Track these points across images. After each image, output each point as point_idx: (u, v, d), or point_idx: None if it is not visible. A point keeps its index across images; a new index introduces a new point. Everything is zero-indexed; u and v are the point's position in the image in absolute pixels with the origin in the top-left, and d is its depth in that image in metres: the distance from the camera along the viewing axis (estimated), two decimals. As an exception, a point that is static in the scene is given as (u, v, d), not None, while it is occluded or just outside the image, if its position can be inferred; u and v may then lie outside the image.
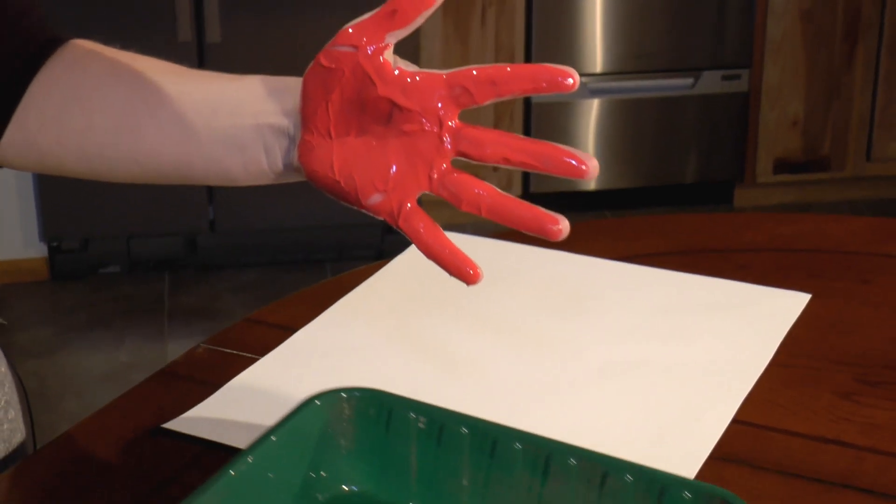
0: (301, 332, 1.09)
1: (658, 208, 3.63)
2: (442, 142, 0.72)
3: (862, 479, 0.88)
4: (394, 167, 0.73)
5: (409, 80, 0.72)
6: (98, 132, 0.85)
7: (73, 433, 0.96)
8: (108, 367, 2.81)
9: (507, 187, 3.50)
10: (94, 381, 2.72)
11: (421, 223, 0.73)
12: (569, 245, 1.24)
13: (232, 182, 0.83)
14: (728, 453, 0.91)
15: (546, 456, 0.73)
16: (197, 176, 0.84)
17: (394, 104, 0.72)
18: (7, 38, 0.87)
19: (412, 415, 0.77)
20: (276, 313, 1.13)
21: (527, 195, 3.53)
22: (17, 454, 0.99)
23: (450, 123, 0.72)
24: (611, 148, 3.57)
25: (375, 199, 0.74)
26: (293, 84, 0.79)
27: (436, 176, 0.72)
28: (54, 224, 3.22)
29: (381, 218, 0.75)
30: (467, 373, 1.02)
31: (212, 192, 3.17)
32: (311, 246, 3.31)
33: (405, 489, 0.78)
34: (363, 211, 0.75)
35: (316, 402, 0.78)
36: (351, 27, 0.73)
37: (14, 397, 1.01)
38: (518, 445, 0.74)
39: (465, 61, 3.28)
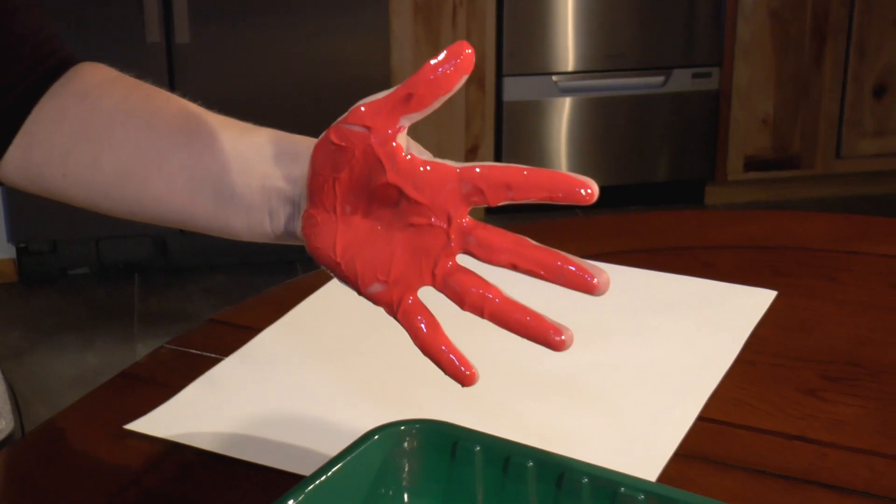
0: (265, 332, 1.08)
1: (629, 207, 3.63)
2: (449, 239, 0.69)
3: (825, 474, 0.88)
4: (396, 260, 0.71)
5: (420, 169, 0.69)
6: (105, 173, 0.82)
7: (33, 437, 0.95)
8: (77, 371, 2.79)
9: (478, 187, 3.49)
10: (63, 384, 2.71)
11: (420, 319, 0.71)
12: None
13: (234, 237, 0.81)
14: (692, 451, 0.91)
15: (612, 489, 0.72)
16: (199, 227, 0.82)
17: (403, 193, 0.69)
18: (13, 56, 0.85)
19: (477, 448, 0.75)
20: (240, 314, 1.13)
21: (498, 195, 3.53)
22: None
23: (460, 221, 0.69)
24: (582, 146, 3.58)
25: (375, 288, 0.72)
26: (304, 149, 0.77)
27: (439, 273, 0.70)
28: (22, 226, 3.20)
29: (379, 307, 0.72)
30: (431, 376, 1.02)
31: (182, 194, 3.15)
32: (282, 247, 3.29)
33: None
34: (360, 296, 0.73)
35: (375, 436, 0.75)
36: (364, 106, 0.69)
37: (7, 406, 1.00)
38: (585, 479, 0.72)
39: (435, 61, 3.27)
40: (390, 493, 0.76)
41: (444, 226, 0.69)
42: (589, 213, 3.56)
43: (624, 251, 1.26)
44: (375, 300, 0.72)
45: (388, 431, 0.76)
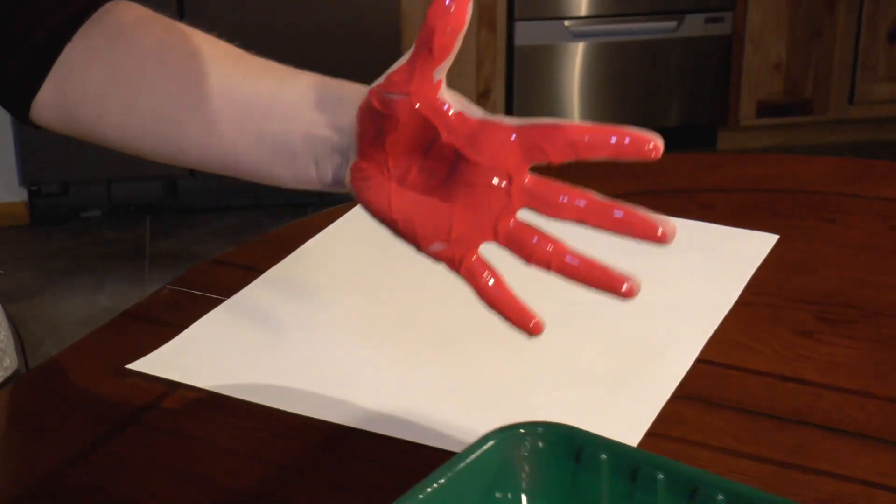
0: (268, 273, 1.09)
1: (641, 152, 3.62)
2: (510, 197, 0.69)
3: (818, 415, 0.89)
4: (457, 219, 0.70)
5: (476, 129, 0.68)
6: (142, 115, 0.81)
7: (35, 374, 0.96)
8: (88, 312, 2.81)
9: (489, 131, 3.49)
10: (74, 325, 2.73)
11: (484, 275, 0.71)
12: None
13: (280, 185, 0.80)
14: (687, 391, 0.92)
15: None
16: (243, 174, 0.80)
17: (460, 154, 0.69)
18: None
19: (604, 455, 0.72)
20: (242, 254, 1.13)
21: (509, 139, 3.53)
22: None
23: (521, 181, 0.69)
24: (594, 91, 3.56)
25: (436, 247, 0.71)
26: (348, 95, 0.75)
27: (501, 230, 0.70)
28: (34, 168, 3.21)
29: (439, 262, 0.72)
30: (428, 317, 1.03)
31: (192, 137, 3.15)
32: (293, 189, 3.30)
33: None
34: (418, 253, 0.73)
35: (490, 440, 0.72)
36: (394, 74, 0.68)
37: (10, 345, 1.00)
38: (720, 496, 0.69)
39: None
40: (508, 495, 0.73)
41: (505, 185, 0.68)
42: (600, 158, 3.55)
43: (623, 193, 1.25)
44: (437, 258, 0.72)
45: (508, 434, 0.73)
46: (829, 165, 1.33)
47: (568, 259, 0.70)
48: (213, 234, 3.20)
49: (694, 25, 3.51)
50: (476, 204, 0.69)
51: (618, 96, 3.58)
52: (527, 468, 0.74)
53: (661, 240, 0.69)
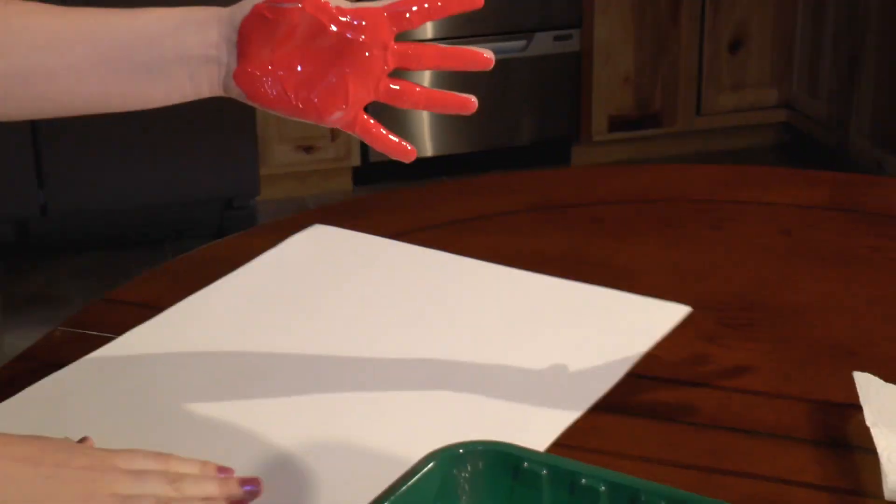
0: (163, 314, 1.05)
1: (496, 171, 3.65)
2: (386, 62, 0.86)
3: (730, 418, 0.90)
4: (351, 88, 0.86)
5: (355, 16, 0.85)
6: (1, 78, 0.84)
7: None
8: (-55, 361, 2.71)
9: (345, 157, 3.49)
10: (-68, 376, 2.62)
11: (374, 127, 0.88)
12: (418, 209, 1.24)
13: (151, 106, 0.88)
14: (601, 403, 0.92)
15: None
16: (114, 108, 0.88)
17: (344, 38, 0.85)
18: None
19: (544, 471, 0.73)
20: (133, 291, 1.11)
21: (365, 163, 3.52)
22: None
23: (392, 47, 0.86)
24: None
25: (336, 115, 0.86)
26: (203, 17, 0.86)
27: (382, 89, 0.87)
28: None
29: (336, 127, 0.87)
30: (335, 354, 1.01)
31: (41, 177, 3.07)
32: (149, 226, 3.24)
33: None
34: (321, 124, 0.87)
35: (431, 462, 0.73)
36: None
37: None
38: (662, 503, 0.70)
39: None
40: None
41: (383, 53, 0.86)
42: (457, 180, 3.57)
43: (510, 211, 1.27)
44: (336, 124, 0.87)
45: (448, 454, 0.74)
46: (711, 173, 1.35)
47: (429, 96, 0.88)
48: (68, 274, 3.12)
49: (543, 44, 3.56)
50: (363, 73, 0.86)
51: (469, 117, 3.59)
52: (467, 488, 0.74)
53: (488, 63, 0.87)
